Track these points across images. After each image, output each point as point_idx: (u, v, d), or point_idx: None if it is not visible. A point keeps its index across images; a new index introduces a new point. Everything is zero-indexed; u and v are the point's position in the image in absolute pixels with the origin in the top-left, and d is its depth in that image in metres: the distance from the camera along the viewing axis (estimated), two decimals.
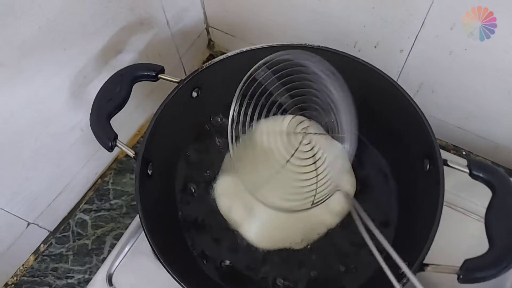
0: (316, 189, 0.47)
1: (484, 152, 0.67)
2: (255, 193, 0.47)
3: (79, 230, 0.65)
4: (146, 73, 0.48)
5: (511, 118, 0.59)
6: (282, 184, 0.49)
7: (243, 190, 0.48)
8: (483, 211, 0.53)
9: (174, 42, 0.72)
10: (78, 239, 0.64)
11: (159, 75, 0.49)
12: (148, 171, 0.45)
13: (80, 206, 0.67)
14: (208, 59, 0.83)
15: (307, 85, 0.46)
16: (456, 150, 0.69)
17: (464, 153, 0.68)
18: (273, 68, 0.45)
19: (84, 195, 0.68)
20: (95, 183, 0.69)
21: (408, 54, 0.58)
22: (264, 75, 0.45)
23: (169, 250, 0.41)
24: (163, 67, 0.49)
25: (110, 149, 0.43)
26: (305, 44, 0.51)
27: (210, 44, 0.83)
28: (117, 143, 0.44)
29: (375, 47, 0.61)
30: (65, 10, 0.48)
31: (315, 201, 0.46)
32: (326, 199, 0.45)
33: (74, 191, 0.66)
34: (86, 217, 0.66)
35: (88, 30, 0.53)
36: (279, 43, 0.51)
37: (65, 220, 0.66)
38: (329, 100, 0.45)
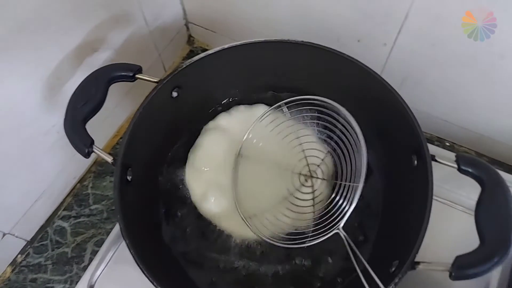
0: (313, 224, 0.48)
1: (468, 143, 0.67)
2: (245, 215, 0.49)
3: (58, 238, 0.62)
4: (122, 73, 0.46)
5: (495, 109, 0.59)
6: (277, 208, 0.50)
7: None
8: (469, 202, 0.54)
9: (153, 39, 0.69)
10: (57, 248, 0.62)
11: (137, 75, 0.46)
12: (128, 177, 0.43)
13: (59, 213, 0.64)
14: (188, 55, 0.81)
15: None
16: (440, 141, 0.69)
17: (447, 144, 0.68)
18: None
19: (63, 201, 0.65)
20: (73, 188, 0.67)
21: (392, 48, 0.58)
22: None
23: (153, 261, 0.39)
24: (140, 67, 0.47)
25: (87, 155, 0.41)
26: (288, 39, 0.49)
27: (190, 40, 0.81)
28: (94, 149, 0.42)
29: (358, 41, 0.60)
30: (35, 9, 0.45)
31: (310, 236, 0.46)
32: (323, 238, 0.45)
33: (52, 197, 0.63)
34: (65, 224, 0.64)
35: (60, 29, 0.50)
36: (261, 39, 0.49)
37: (42, 228, 0.63)
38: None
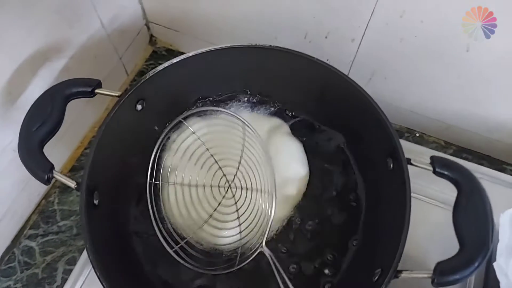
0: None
1: (436, 132, 0.68)
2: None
3: (26, 259, 0.59)
4: (80, 89, 0.43)
5: (460, 99, 0.60)
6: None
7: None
8: (442, 197, 0.55)
9: (112, 43, 0.66)
10: (26, 269, 0.59)
11: (96, 90, 0.43)
12: (94, 201, 0.40)
13: (25, 232, 0.61)
14: (152, 56, 0.77)
15: None
16: (409, 132, 0.70)
17: (417, 135, 0.69)
18: None
19: (28, 220, 0.62)
20: (38, 205, 0.63)
21: (360, 43, 0.57)
22: None
23: None
24: (99, 81, 0.44)
25: (47, 182, 0.38)
26: (256, 44, 0.47)
27: (152, 40, 0.77)
28: (55, 175, 0.39)
29: (326, 37, 0.59)
30: None
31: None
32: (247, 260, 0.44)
33: (16, 216, 0.60)
34: (33, 244, 0.60)
35: (8, 41, 0.46)
36: (227, 45, 0.47)
37: (8, 249, 0.60)
38: None
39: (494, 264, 0.41)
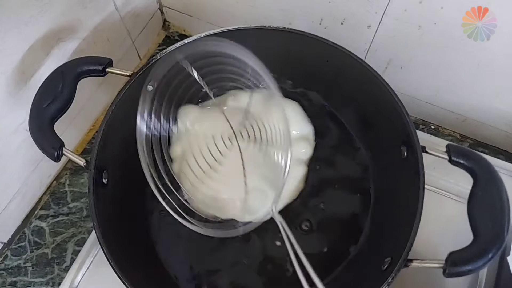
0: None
1: (452, 125, 0.66)
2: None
3: (36, 239, 0.60)
4: (91, 67, 0.43)
5: (479, 91, 0.58)
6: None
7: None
8: (457, 189, 0.53)
9: (125, 26, 0.65)
10: (36, 249, 0.59)
11: (107, 69, 0.43)
12: (104, 180, 0.40)
13: (35, 213, 0.62)
14: (164, 41, 0.77)
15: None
16: (425, 124, 0.68)
17: (433, 127, 0.68)
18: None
19: (39, 200, 0.63)
20: (49, 186, 0.63)
21: (376, 30, 0.56)
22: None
23: (135, 269, 0.37)
24: (111, 60, 0.44)
25: (56, 159, 0.38)
26: (269, 26, 0.47)
27: (165, 24, 0.77)
28: (64, 152, 0.39)
29: (341, 23, 0.57)
30: None
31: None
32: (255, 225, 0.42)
33: (27, 197, 0.60)
34: (43, 224, 0.61)
35: (21, 19, 0.46)
36: (240, 26, 0.46)
37: (19, 229, 0.61)
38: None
39: (508, 258, 0.39)
